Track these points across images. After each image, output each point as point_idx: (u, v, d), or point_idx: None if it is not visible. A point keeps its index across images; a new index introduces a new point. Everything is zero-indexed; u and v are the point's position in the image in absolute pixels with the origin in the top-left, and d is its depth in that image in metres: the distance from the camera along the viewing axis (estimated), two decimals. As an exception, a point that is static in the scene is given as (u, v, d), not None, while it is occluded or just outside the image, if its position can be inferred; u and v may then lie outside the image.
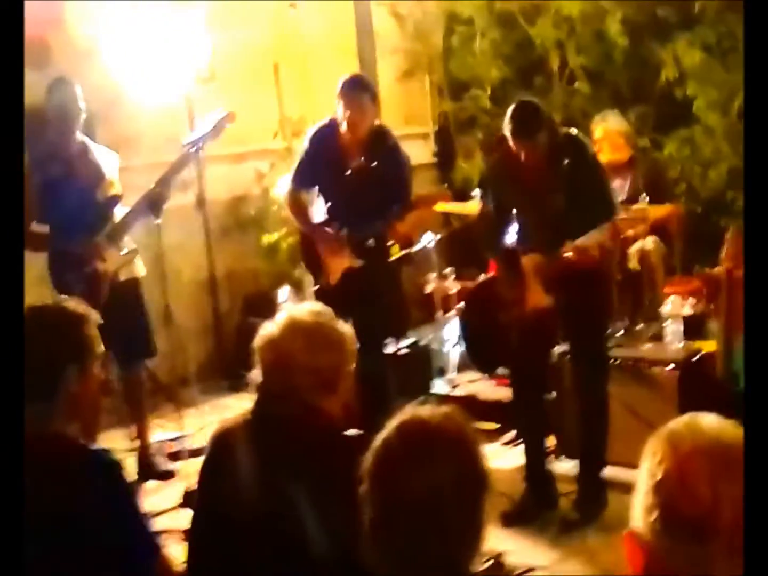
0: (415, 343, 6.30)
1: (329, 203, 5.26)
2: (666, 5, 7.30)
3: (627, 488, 1.55)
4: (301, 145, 5.42)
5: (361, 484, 1.78)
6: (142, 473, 5.41)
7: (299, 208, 5.39)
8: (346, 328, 2.64)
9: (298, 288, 6.60)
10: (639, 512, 1.45)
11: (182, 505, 4.76)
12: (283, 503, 2.40)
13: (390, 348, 5.79)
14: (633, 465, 1.51)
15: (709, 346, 5.02)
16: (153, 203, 5.05)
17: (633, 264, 5.98)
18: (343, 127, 5.09)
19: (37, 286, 4.69)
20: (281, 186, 5.57)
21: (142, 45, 6.46)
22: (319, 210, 5.32)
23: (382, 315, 5.29)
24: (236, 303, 7.56)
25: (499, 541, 4.12)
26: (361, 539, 1.76)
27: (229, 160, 7.34)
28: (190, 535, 2.72)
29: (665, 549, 1.41)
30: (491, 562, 3.98)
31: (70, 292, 4.60)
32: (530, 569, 4.17)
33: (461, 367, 6.44)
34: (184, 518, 3.31)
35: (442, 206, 6.55)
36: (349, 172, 5.16)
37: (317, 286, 5.32)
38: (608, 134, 6.08)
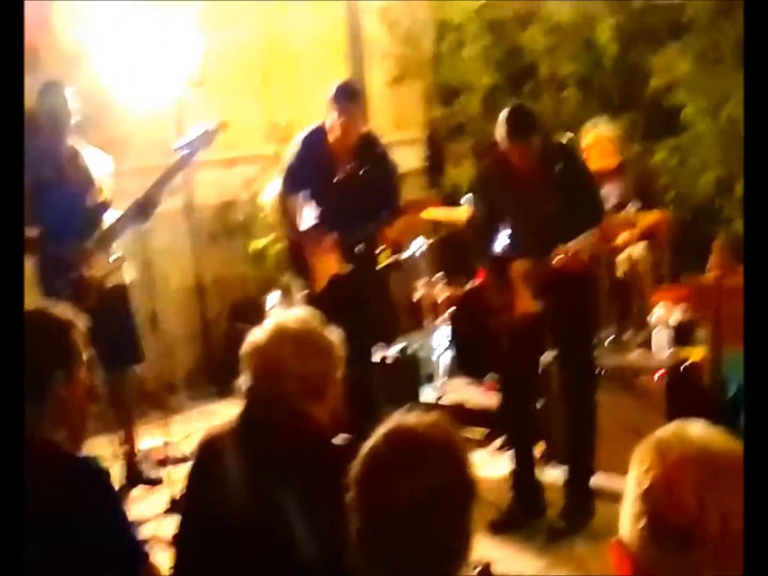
0: (403, 350, 6.29)
1: (318, 209, 5.26)
2: (656, 13, 7.32)
3: (615, 496, 1.55)
4: (290, 150, 5.41)
5: (349, 492, 1.77)
6: (129, 480, 5.38)
7: (287, 213, 5.38)
8: (334, 334, 2.64)
9: (286, 294, 6.59)
10: (626, 520, 1.45)
11: (169, 512, 4.74)
12: (271, 510, 2.39)
13: (378, 355, 5.78)
14: (621, 473, 1.51)
15: (697, 354, 5.03)
16: (143, 209, 5.04)
17: (621, 271, 5.99)
18: (335, 134, 5.09)
19: (25, 290, 4.66)
20: (268, 192, 5.56)
21: (131, 49, 6.43)
22: (307, 216, 5.32)
23: (371, 321, 5.29)
24: (224, 309, 7.55)
25: (486, 549, 4.11)
26: (349, 546, 1.76)
27: (218, 165, 7.33)
28: (177, 542, 2.71)
29: (653, 557, 1.41)
30: (479, 570, 3.97)
31: (58, 296, 4.58)
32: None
33: (449, 374, 6.44)
34: (171, 525, 3.29)
35: (430, 213, 6.55)
36: (338, 178, 5.17)
37: (305, 292, 5.31)
38: (598, 141, 6.09)
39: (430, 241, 6.80)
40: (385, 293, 6.15)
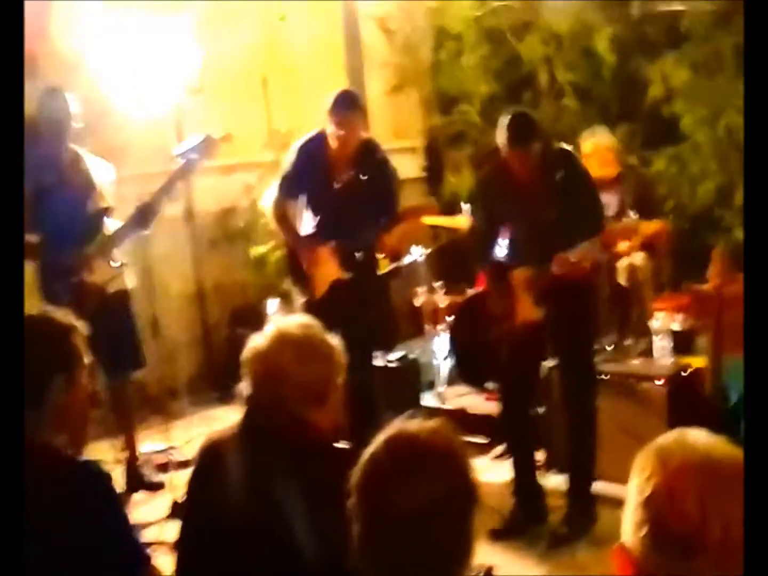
0: (404, 357, 6.30)
1: (317, 216, 5.26)
2: (654, 23, 7.34)
3: (616, 503, 1.55)
4: (287, 157, 5.41)
5: (350, 498, 1.77)
6: (130, 484, 5.39)
7: (284, 219, 5.38)
8: (335, 340, 2.64)
9: (286, 300, 6.59)
10: (628, 527, 1.45)
11: (170, 517, 4.74)
12: (272, 515, 2.39)
13: (379, 361, 5.78)
14: (622, 480, 1.52)
15: (697, 361, 5.03)
16: (144, 216, 5.04)
17: (621, 279, 6.00)
18: (334, 143, 5.10)
19: (26, 296, 4.66)
20: (266, 197, 5.57)
21: (129, 57, 6.44)
22: (306, 223, 5.32)
23: (371, 328, 5.29)
24: (224, 315, 7.55)
25: (488, 555, 4.11)
26: (351, 553, 1.76)
27: (218, 172, 7.33)
28: (178, 547, 2.71)
29: (654, 564, 1.41)
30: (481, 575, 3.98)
31: (59, 302, 4.59)
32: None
33: (450, 381, 6.44)
34: (173, 529, 3.29)
35: (430, 219, 6.56)
36: (337, 185, 5.17)
37: (304, 299, 5.32)
38: (597, 149, 6.09)
39: (431, 248, 6.81)
40: (385, 300, 6.16)
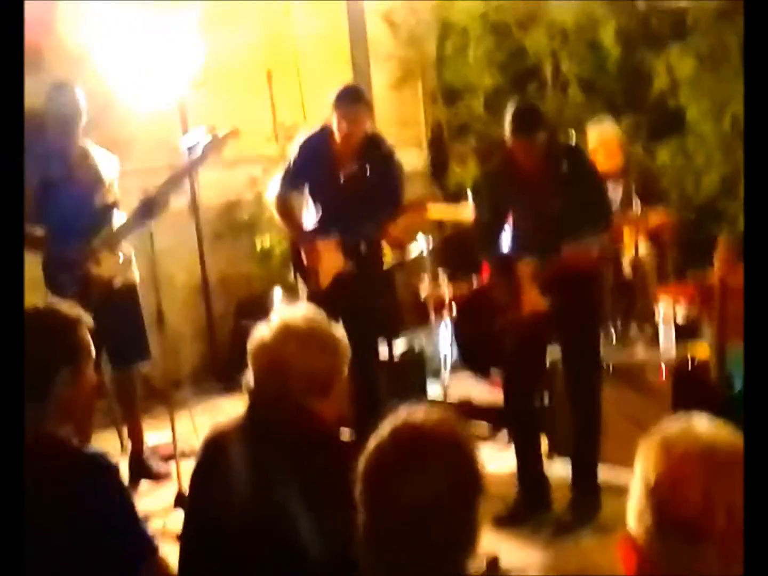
0: (408, 347, 6.30)
1: (321, 209, 5.26)
2: (659, 15, 7.33)
3: (621, 490, 1.55)
4: (291, 151, 5.41)
5: (355, 488, 1.78)
6: (135, 475, 5.41)
7: (288, 213, 5.39)
8: (339, 331, 2.64)
9: (291, 292, 6.60)
10: (633, 515, 1.45)
11: (175, 507, 4.75)
12: (277, 507, 2.39)
13: (383, 351, 5.79)
14: (626, 466, 1.52)
15: (702, 350, 5.04)
16: (149, 210, 5.03)
17: (626, 270, 6.00)
18: (338, 137, 5.10)
19: (31, 288, 4.67)
20: (269, 189, 5.57)
21: (134, 50, 6.45)
22: (310, 216, 5.33)
23: (376, 318, 5.30)
24: (230, 307, 7.56)
25: (492, 543, 4.13)
26: (356, 542, 1.76)
27: (223, 165, 7.32)
28: (182, 539, 2.71)
29: (659, 551, 1.42)
30: (487, 563, 3.99)
31: (64, 294, 4.60)
32: (525, 570, 4.19)
33: (455, 371, 6.45)
34: (177, 520, 3.30)
35: (435, 211, 6.56)
36: (342, 179, 5.17)
37: (309, 291, 5.32)
38: (603, 140, 6.09)
39: (436, 239, 6.80)
40: (390, 291, 6.15)
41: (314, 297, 5.09)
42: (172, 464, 5.10)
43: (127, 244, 5.31)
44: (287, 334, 2.56)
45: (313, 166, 5.22)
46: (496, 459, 5.12)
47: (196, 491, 2.68)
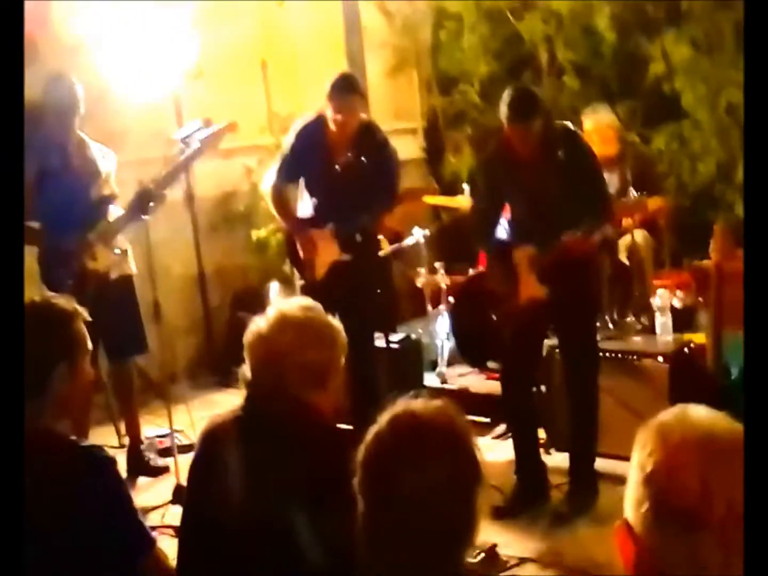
0: (406, 337, 6.30)
1: (316, 199, 5.26)
2: (654, 1, 7.32)
3: (618, 480, 1.56)
4: (286, 140, 5.40)
5: (354, 478, 1.78)
6: (133, 469, 5.40)
7: (282, 204, 5.38)
8: (336, 322, 2.63)
9: (287, 283, 6.60)
10: (630, 504, 1.45)
11: (172, 502, 4.75)
12: (274, 500, 2.39)
13: (380, 342, 5.79)
14: (624, 457, 1.52)
15: (698, 338, 5.04)
16: (145, 203, 5.01)
17: (623, 257, 6.00)
18: (333, 126, 5.09)
19: (27, 282, 4.66)
20: (265, 181, 5.56)
21: (129, 41, 6.43)
22: (305, 206, 5.32)
23: (372, 309, 5.29)
24: (226, 299, 7.56)
25: (490, 533, 4.13)
26: (354, 534, 1.76)
27: (218, 155, 7.30)
28: (180, 533, 2.71)
29: (657, 540, 1.41)
30: (485, 553, 4.00)
31: (60, 288, 4.59)
32: (523, 560, 4.19)
33: (452, 361, 6.46)
34: (176, 514, 3.30)
35: (431, 200, 6.55)
36: (337, 168, 5.16)
37: (304, 282, 5.32)
38: (598, 127, 6.08)
39: (432, 229, 6.80)
40: (386, 281, 6.15)
41: (310, 288, 5.08)
42: (170, 458, 5.11)
43: (123, 237, 5.30)
44: (284, 325, 2.55)
45: (309, 155, 5.21)
46: (494, 450, 5.13)
47: (194, 485, 2.68)
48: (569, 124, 4.75)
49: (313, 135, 5.20)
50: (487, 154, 5.01)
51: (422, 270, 6.63)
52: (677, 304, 5.57)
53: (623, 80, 7.51)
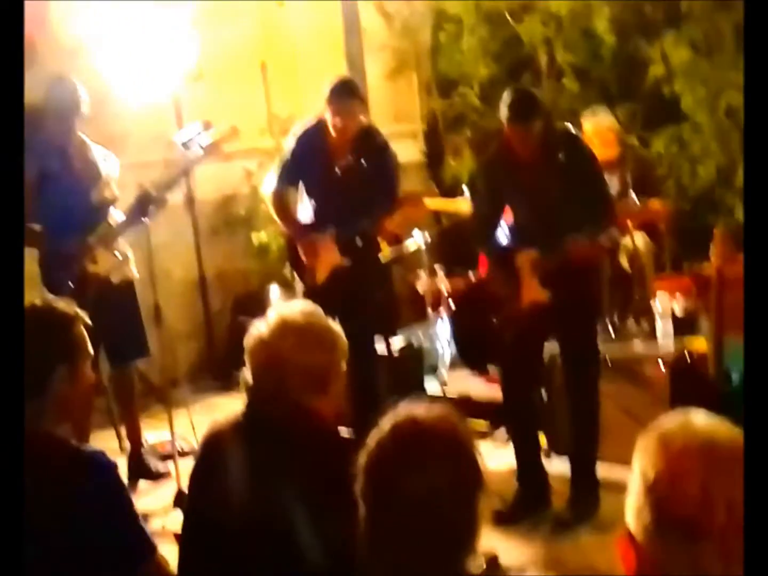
0: (406, 342, 6.30)
1: (317, 203, 5.25)
2: (653, 3, 7.32)
3: (619, 486, 1.55)
4: (287, 144, 5.40)
5: (355, 484, 1.77)
6: (134, 474, 5.39)
7: (283, 208, 5.38)
8: (336, 326, 2.63)
9: (288, 287, 6.59)
10: (631, 512, 1.45)
11: (174, 506, 4.74)
12: (276, 505, 2.39)
13: (381, 346, 5.79)
14: (625, 463, 1.51)
15: (699, 343, 5.03)
16: (145, 207, 5.00)
17: (623, 261, 5.99)
18: (332, 131, 5.09)
19: (28, 285, 4.66)
20: (266, 184, 5.56)
21: (128, 43, 6.43)
22: (305, 210, 5.32)
23: (373, 313, 5.29)
24: (227, 303, 7.55)
25: (491, 540, 4.12)
26: (355, 539, 1.76)
27: (218, 158, 7.31)
28: (181, 538, 2.70)
29: (658, 548, 1.41)
30: (486, 562, 3.99)
31: (61, 291, 4.59)
32: (523, 570, 4.19)
33: (453, 366, 6.44)
34: (177, 519, 3.30)
35: (432, 203, 6.54)
36: (337, 171, 5.16)
37: (303, 287, 5.32)
38: (598, 130, 6.08)
39: (433, 232, 6.80)
40: (387, 285, 6.15)
41: (311, 292, 5.08)
42: (171, 463, 5.10)
43: (124, 241, 5.29)
44: (285, 330, 2.54)
45: (309, 159, 5.21)
46: (495, 456, 5.12)
47: (196, 490, 2.67)
48: (570, 126, 4.75)
49: (313, 139, 5.20)
50: (487, 156, 5.01)
51: (422, 274, 6.63)
52: (678, 308, 5.55)
53: (623, 83, 7.51)
